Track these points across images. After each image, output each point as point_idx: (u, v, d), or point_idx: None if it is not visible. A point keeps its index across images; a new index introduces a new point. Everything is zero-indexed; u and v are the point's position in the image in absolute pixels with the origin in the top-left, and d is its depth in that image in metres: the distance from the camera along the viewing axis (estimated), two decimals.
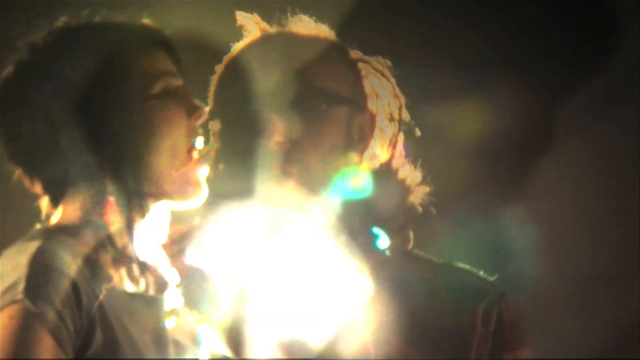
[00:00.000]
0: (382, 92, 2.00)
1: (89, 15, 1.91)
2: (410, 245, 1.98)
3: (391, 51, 2.04)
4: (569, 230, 2.82)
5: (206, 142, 1.97)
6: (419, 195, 1.99)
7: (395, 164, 1.98)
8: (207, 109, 1.93)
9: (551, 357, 2.60)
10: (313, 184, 1.92)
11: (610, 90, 2.81)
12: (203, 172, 1.91)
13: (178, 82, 1.91)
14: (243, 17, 2.02)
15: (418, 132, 2.01)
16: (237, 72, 1.96)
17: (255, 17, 2.02)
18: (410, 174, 1.99)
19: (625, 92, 2.81)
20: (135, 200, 1.83)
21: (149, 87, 1.87)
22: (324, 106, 1.92)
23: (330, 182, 1.93)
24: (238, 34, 2.03)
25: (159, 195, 1.88)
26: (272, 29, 2.01)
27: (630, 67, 2.79)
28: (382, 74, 1.99)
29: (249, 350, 1.87)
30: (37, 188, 1.88)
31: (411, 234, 1.97)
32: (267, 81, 1.93)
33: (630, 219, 2.81)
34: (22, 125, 1.84)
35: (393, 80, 2.00)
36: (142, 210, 1.85)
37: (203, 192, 1.91)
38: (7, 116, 1.86)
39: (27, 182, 1.88)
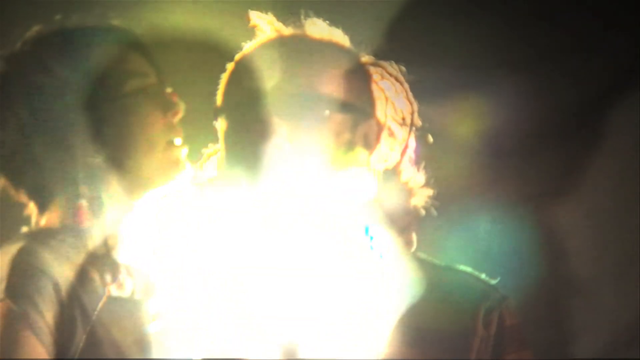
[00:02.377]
0: (395, 97, 1.98)
1: (60, 21, 1.91)
2: (414, 248, 1.97)
3: (393, 51, 2.03)
4: (569, 230, 2.82)
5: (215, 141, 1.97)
6: (422, 197, 1.98)
7: (401, 167, 1.97)
8: (216, 105, 1.93)
9: (551, 358, 2.60)
10: (310, 186, 1.91)
11: (611, 90, 2.81)
12: (183, 152, 1.93)
13: (151, 80, 1.93)
14: (257, 17, 2.00)
15: (430, 139, 2.00)
16: (246, 71, 1.95)
17: (270, 18, 2.00)
18: (413, 176, 1.97)
19: (626, 91, 2.81)
20: (115, 201, 1.84)
21: (121, 87, 1.88)
22: (327, 112, 1.90)
23: (329, 184, 1.91)
24: (246, 34, 2.01)
25: (140, 187, 1.88)
26: (286, 30, 1.99)
27: (631, 67, 2.79)
28: (396, 79, 1.98)
29: (245, 351, 1.85)
30: (22, 197, 1.89)
31: (414, 237, 1.96)
32: (273, 82, 1.91)
33: (631, 219, 2.81)
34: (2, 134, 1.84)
35: (407, 85, 1.98)
36: (121, 211, 1.86)
37: (184, 171, 1.92)
38: None
39: (12, 191, 1.88)
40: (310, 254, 1.91)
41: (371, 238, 1.92)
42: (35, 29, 1.92)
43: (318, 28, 1.98)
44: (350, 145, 1.92)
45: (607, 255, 2.82)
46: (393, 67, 1.99)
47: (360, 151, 1.93)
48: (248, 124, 1.91)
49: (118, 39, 1.93)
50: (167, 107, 1.91)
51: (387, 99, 1.97)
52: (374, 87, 1.98)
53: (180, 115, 1.92)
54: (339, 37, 1.99)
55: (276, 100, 1.90)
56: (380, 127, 1.96)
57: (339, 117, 1.91)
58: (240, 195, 1.91)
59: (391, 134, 1.98)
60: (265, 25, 1.99)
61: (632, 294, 2.77)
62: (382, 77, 1.98)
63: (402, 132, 1.98)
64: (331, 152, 1.91)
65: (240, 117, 1.93)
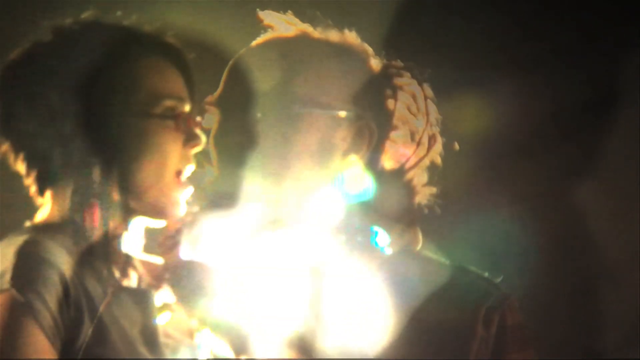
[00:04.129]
0: (422, 102, 1.96)
1: (120, 17, 1.90)
2: (419, 246, 1.96)
3: (393, 51, 2.02)
4: (568, 230, 2.82)
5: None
6: (425, 195, 1.97)
7: (411, 169, 1.96)
8: (213, 96, 1.93)
9: (551, 358, 2.59)
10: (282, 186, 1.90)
11: (610, 90, 2.81)
12: (185, 193, 1.91)
13: (184, 107, 1.90)
14: (271, 17, 1.98)
15: (457, 146, 1.99)
16: (244, 65, 1.94)
17: (289, 17, 1.98)
18: (417, 174, 1.96)
19: (625, 92, 2.81)
20: (119, 206, 1.83)
21: (152, 105, 1.86)
22: (298, 110, 1.89)
23: (324, 184, 1.91)
24: (248, 35, 2.00)
25: (138, 211, 1.88)
26: (312, 30, 1.97)
27: (630, 68, 2.79)
28: (419, 83, 1.96)
29: (247, 348, 1.86)
30: (21, 167, 1.88)
31: (420, 235, 1.95)
32: (264, 81, 1.91)
33: (630, 219, 2.81)
34: (21, 106, 1.84)
35: (429, 91, 1.97)
36: (124, 218, 1.86)
37: (180, 213, 1.91)
38: (9, 93, 1.86)
39: (11, 157, 1.88)
40: (309, 254, 1.90)
41: (374, 235, 1.92)
42: (92, 12, 1.90)
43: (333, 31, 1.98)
44: (325, 147, 1.91)
45: (606, 254, 2.82)
46: (418, 71, 1.98)
47: (347, 152, 1.92)
48: (234, 119, 1.91)
49: (168, 55, 1.91)
50: (190, 138, 1.90)
51: (410, 104, 1.96)
52: (396, 91, 1.96)
53: (199, 149, 1.91)
54: (351, 39, 1.98)
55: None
56: (371, 129, 1.93)
57: (316, 117, 1.90)
58: (238, 195, 1.90)
59: (412, 138, 1.97)
60: (283, 25, 1.97)
61: (632, 293, 2.77)
62: (408, 83, 1.96)
63: (423, 137, 1.97)
64: (316, 153, 1.90)
65: (232, 111, 1.93)
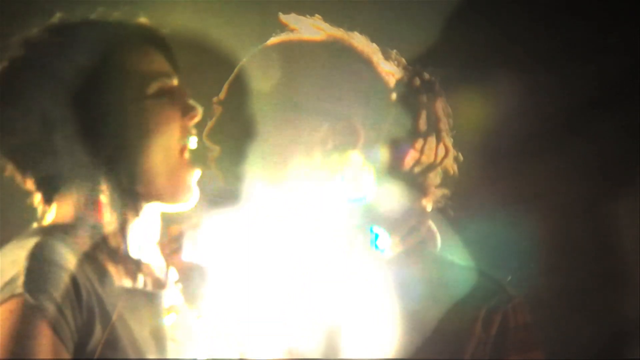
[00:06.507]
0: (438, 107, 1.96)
1: (84, 13, 1.89)
2: (437, 246, 1.96)
3: (396, 50, 2.01)
4: (568, 230, 2.82)
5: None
6: (436, 197, 1.96)
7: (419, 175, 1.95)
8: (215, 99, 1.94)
9: (551, 358, 2.59)
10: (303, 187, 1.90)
11: (610, 90, 2.81)
12: (195, 175, 1.92)
13: (173, 82, 1.93)
14: (296, 20, 1.98)
15: (461, 157, 1.99)
16: (252, 65, 1.93)
17: (316, 22, 1.97)
18: (430, 175, 1.96)
19: (625, 92, 2.81)
20: (129, 200, 1.83)
21: (145, 88, 1.88)
22: (278, 110, 1.90)
23: (320, 186, 1.90)
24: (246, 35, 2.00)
25: (151, 196, 1.89)
26: (340, 33, 1.96)
27: (630, 67, 2.79)
28: (430, 87, 1.95)
29: (251, 348, 1.86)
30: (29, 184, 1.88)
31: (437, 235, 1.95)
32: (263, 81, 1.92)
33: (631, 219, 2.81)
34: (16, 121, 1.83)
35: (441, 96, 1.97)
36: (135, 210, 1.87)
37: (193, 196, 1.92)
38: (0, 112, 1.84)
39: (18, 177, 1.87)
40: (311, 255, 1.91)
41: (375, 237, 1.91)
42: (58, 16, 1.90)
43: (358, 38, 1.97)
44: (315, 147, 1.91)
45: (606, 254, 2.83)
46: (428, 75, 1.97)
47: (331, 152, 1.91)
48: (238, 121, 1.91)
49: (144, 37, 1.92)
50: (187, 110, 1.91)
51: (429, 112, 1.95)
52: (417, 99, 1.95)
53: (197, 119, 1.92)
54: (356, 41, 1.98)
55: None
56: (355, 130, 1.92)
57: (295, 116, 1.90)
58: (242, 195, 1.90)
59: (427, 142, 1.96)
60: (310, 29, 1.96)
61: (632, 293, 2.78)
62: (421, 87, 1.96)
63: (428, 144, 1.96)
64: (301, 152, 1.90)
65: (238, 112, 1.92)
